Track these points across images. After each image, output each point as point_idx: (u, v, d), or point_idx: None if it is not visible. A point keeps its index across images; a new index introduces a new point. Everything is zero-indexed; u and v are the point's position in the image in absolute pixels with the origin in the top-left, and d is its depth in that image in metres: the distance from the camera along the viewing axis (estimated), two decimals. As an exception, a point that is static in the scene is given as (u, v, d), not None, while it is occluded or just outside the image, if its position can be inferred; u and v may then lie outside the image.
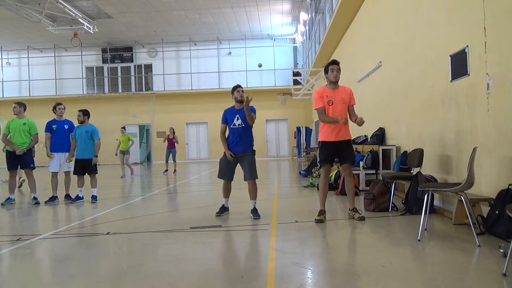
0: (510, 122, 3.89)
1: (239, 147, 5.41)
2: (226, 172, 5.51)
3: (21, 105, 7.45)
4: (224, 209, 5.59)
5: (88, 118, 7.70)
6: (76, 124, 7.74)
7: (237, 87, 5.46)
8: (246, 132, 5.41)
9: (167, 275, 3.14)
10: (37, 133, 7.47)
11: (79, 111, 7.65)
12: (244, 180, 5.47)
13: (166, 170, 14.35)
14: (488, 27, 4.20)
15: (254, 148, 5.54)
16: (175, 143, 14.43)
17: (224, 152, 5.47)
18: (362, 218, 4.96)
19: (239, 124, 5.38)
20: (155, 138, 24.11)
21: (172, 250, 3.93)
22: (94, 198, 7.40)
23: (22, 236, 4.74)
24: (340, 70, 5.06)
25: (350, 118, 5.10)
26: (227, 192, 5.61)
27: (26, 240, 4.54)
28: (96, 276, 3.22)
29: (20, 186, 10.15)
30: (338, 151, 5.09)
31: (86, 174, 7.56)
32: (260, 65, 22.55)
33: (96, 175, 7.61)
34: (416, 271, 3.19)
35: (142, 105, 24.19)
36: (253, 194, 5.45)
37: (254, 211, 5.37)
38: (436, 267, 3.20)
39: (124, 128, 14.34)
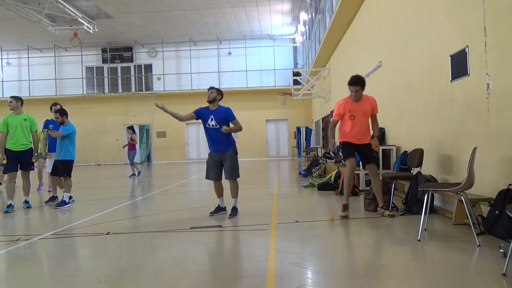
0: (510, 122, 3.89)
1: (218, 147, 5.49)
2: (210, 172, 5.58)
3: (18, 99, 6.61)
4: (219, 209, 5.64)
5: (67, 117, 6.98)
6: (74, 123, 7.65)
7: (209, 89, 5.54)
8: (222, 132, 5.42)
9: (167, 275, 3.14)
10: (37, 130, 6.80)
11: (55, 112, 6.93)
12: (225, 179, 5.55)
13: (133, 174, 13.32)
14: (488, 27, 4.20)
15: (236, 147, 5.59)
16: (134, 144, 13.48)
17: (209, 153, 5.59)
18: (392, 215, 5.06)
19: (213, 125, 5.44)
20: (155, 138, 24.18)
21: (172, 250, 3.92)
22: (62, 203, 6.71)
23: (22, 236, 4.74)
24: (361, 89, 5.22)
25: (372, 126, 5.39)
26: (219, 191, 5.67)
27: (26, 240, 4.54)
28: (96, 276, 3.22)
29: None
30: (360, 152, 5.38)
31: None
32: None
33: (70, 178, 6.89)
34: (416, 271, 3.19)
35: (142, 105, 24.18)
36: (234, 193, 5.55)
37: (233, 209, 5.49)
38: (436, 267, 3.20)
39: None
